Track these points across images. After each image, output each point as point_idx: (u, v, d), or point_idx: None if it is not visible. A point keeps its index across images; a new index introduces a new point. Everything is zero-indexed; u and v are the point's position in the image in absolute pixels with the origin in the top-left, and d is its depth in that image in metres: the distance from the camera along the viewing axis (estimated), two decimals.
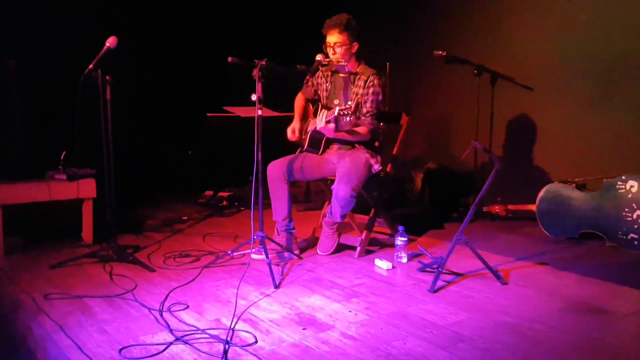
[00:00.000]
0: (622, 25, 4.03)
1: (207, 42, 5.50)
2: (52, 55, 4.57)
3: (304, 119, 3.76)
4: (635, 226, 3.50)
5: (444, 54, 4.21)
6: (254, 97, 3.10)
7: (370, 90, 3.44)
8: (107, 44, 3.19)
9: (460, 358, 2.12)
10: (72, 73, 3.26)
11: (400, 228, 3.39)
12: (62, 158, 3.72)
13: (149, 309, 2.61)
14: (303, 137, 3.70)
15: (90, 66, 3.14)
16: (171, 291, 2.86)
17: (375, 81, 3.45)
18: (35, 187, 3.59)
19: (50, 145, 3.96)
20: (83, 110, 3.17)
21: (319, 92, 3.69)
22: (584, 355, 2.15)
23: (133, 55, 4.82)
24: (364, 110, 3.45)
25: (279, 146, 3.74)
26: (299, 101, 3.78)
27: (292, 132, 3.65)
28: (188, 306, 2.66)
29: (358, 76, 3.49)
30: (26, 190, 3.57)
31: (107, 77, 3.21)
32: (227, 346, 2.21)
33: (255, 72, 3.06)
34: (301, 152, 3.69)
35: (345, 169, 3.35)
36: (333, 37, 3.41)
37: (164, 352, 2.17)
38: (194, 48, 5.53)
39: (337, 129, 3.30)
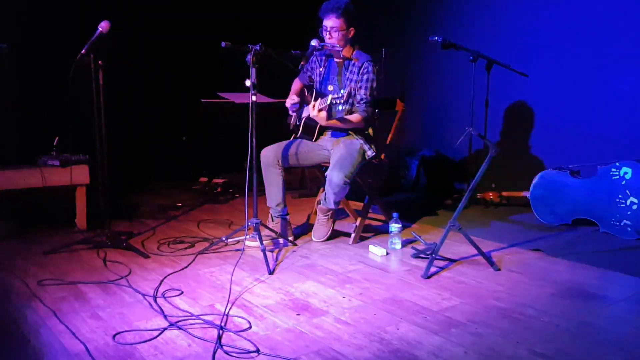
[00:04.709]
0: (617, 13, 4.02)
1: (201, 27, 5.46)
2: (45, 40, 4.52)
3: (300, 105, 3.74)
4: (629, 212, 3.52)
5: (440, 39, 4.18)
6: (248, 83, 3.07)
7: (364, 77, 3.40)
8: (100, 29, 3.15)
9: (453, 343, 2.13)
10: (65, 58, 3.23)
11: (395, 214, 3.39)
12: (55, 144, 3.70)
13: (143, 295, 2.61)
14: (298, 123, 3.68)
15: (83, 51, 3.10)
16: (165, 277, 2.86)
17: (370, 67, 3.40)
18: (28, 173, 3.57)
19: (43, 130, 3.94)
20: (76, 96, 3.15)
21: (313, 76, 3.66)
22: (576, 339, 2.16)
23: (126, 40, 4.78)
24: (358, 97, 3.41)
25: (273, 132, 3.73)
26: (295, 84, 3.77)
27: (290, 100, 3.64)
28: (182, 292, 2.66)
29: (352, 62, 3.45)
30: (19, 176, 3.54)
31: (99, 62, 3.18)
32: (221, 331, 2.21)
33: (250, 58, 3.03)
34: (295, 138, 3.68)
35: (339, 155, 3.35)
36: (330, 22, 3.36)
37: (158, 338, 2.18)
38: (187, 33, 5.49)
39: (329, 118, 3.28)
